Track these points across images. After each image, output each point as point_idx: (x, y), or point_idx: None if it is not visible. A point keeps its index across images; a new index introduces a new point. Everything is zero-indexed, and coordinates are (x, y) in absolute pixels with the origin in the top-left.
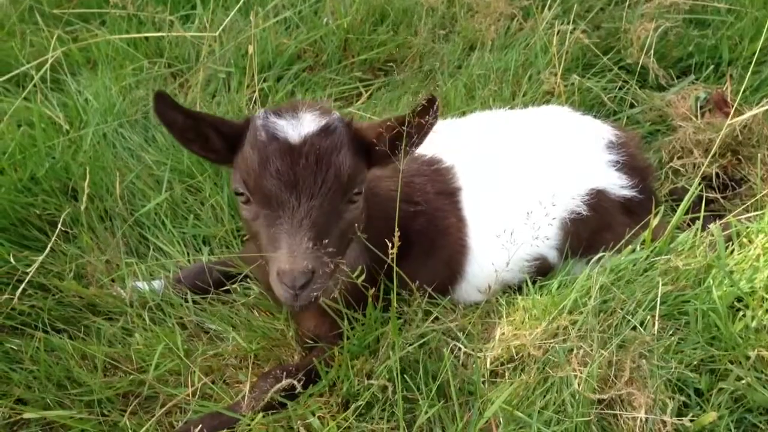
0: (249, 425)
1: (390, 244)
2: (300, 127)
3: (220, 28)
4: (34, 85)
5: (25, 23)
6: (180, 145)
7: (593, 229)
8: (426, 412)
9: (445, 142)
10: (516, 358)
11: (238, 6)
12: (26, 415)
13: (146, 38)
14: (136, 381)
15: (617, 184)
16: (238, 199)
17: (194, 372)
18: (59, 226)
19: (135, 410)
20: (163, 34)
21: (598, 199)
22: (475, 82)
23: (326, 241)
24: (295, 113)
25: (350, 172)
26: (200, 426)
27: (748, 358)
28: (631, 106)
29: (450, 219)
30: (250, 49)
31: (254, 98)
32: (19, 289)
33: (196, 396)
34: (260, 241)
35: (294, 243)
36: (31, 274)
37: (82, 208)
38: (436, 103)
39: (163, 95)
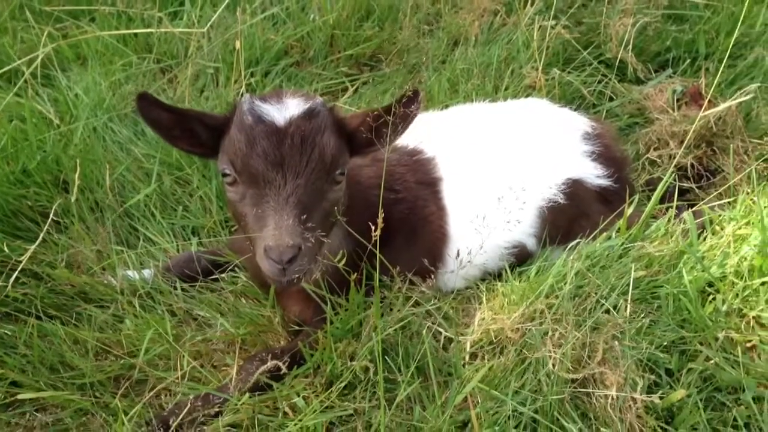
0: (236, 405)
1: (371, 229)
2: (285, 110)
3: (208, 24)
4: (25, 81)
5: (15, 20)
6: (167, 143)
7: (570, 217)
8: (405, 390)
9: (427, 133)
10: (495, 341)
11: (225, 2)
12: (20, 396)
13: (135, 34)
14: (127, 365)
15: (593, 174)
16: (224, 181)
17: (183, 356)
18: (51, 216)
19: (126, 393)
20: (152, 30)
21: (574, 188)
22: (458, 77)
23: (310, 219)
24: (279, 99)
25: (334, 153)
26: (189, 407)
27: (717, 339)
28: (610, 99)
29: (431, 207)
30: (238, 44)
31: (242, 93)
32: (12, 277)
33: (185, 379)
34: (246, 221)
35: (280, 220)
36: (23, 262)
37: (73, 199)
38: (419, 94)
39: (145, 95)
